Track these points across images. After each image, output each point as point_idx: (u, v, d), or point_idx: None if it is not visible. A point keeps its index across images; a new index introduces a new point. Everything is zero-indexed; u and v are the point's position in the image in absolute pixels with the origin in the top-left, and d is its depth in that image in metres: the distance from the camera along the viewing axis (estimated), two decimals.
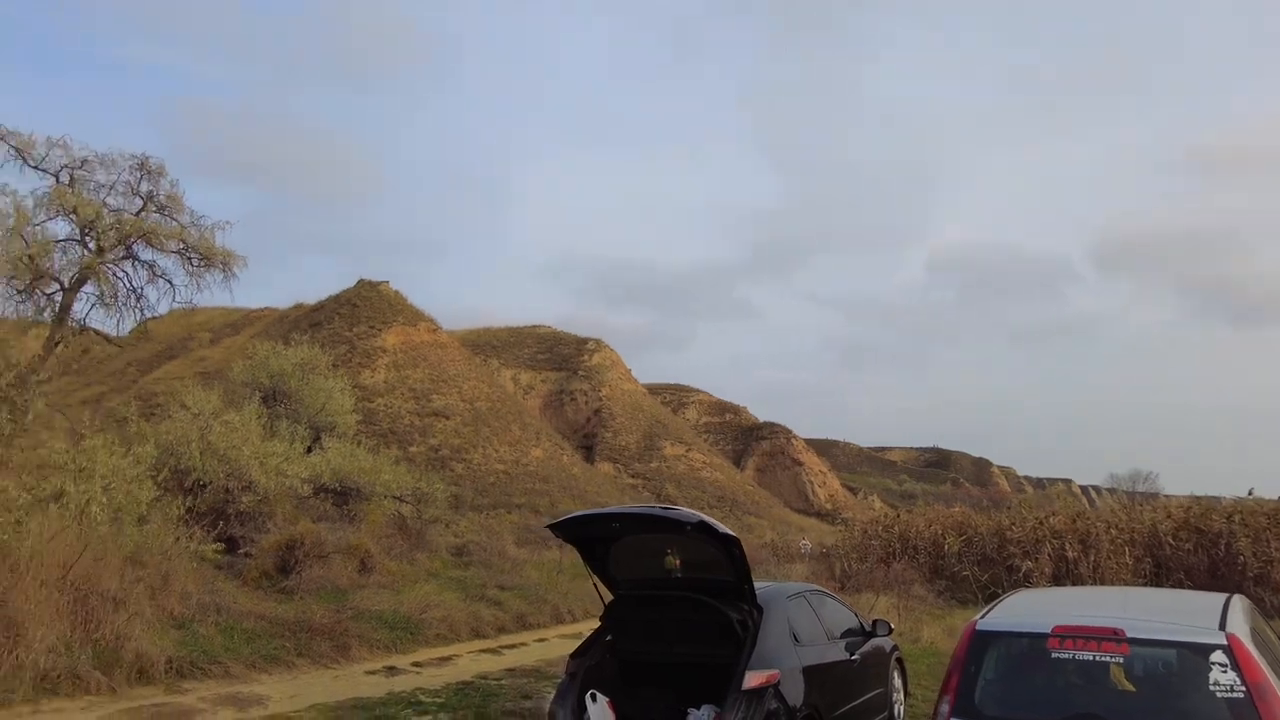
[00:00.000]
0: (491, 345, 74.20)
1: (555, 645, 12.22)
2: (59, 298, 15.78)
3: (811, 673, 6.01)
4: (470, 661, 10.79)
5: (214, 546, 11.54)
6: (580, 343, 76.82)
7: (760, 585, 6.27)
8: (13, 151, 14.39)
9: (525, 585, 16.28)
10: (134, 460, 11.87)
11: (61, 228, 14.95)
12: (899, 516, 25.43)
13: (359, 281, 57.69)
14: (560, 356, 74.86)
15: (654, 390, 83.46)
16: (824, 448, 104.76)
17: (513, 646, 12.24)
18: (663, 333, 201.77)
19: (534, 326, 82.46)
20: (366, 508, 17.80)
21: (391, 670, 9.82)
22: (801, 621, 6.52)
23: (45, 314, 15.65)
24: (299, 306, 58.41)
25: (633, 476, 61.11)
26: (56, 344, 14.83)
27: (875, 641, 7.65)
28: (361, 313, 53.93)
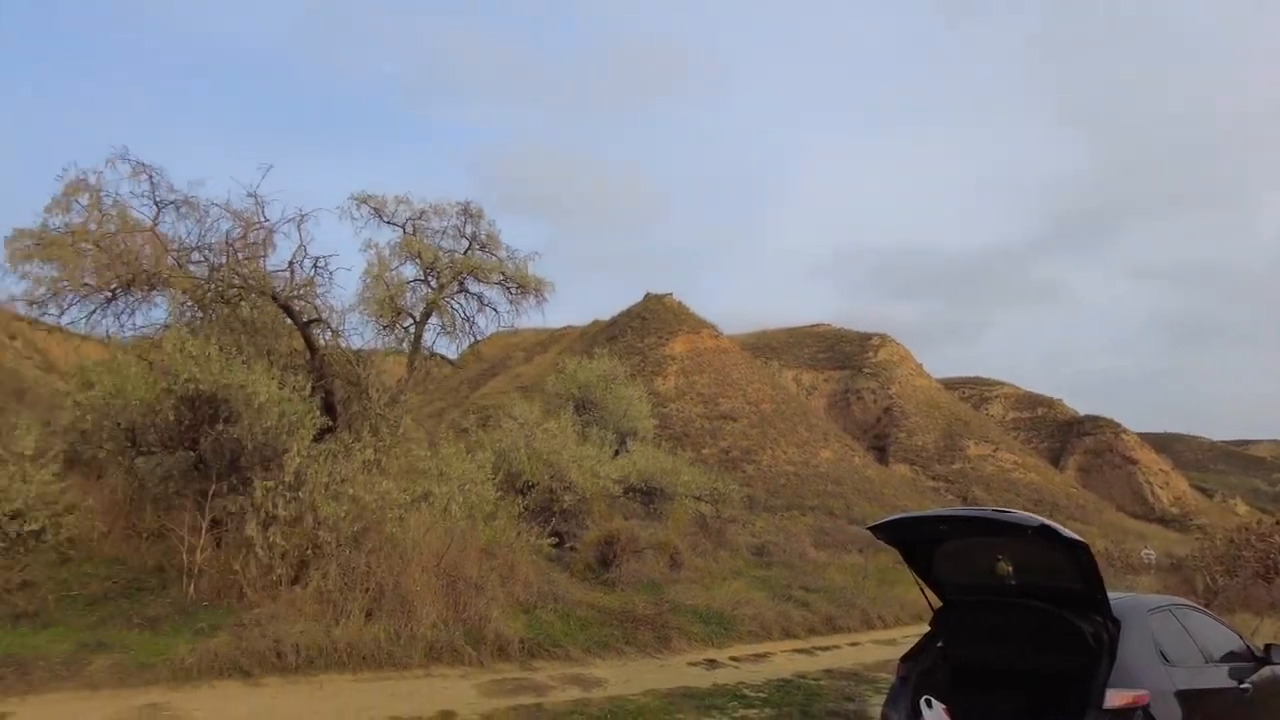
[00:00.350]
0: (770, 347, 74.53)
1: (869, 650, 11.93)
2: (412, 330, 18.52)
3: (1188, 698, 5.24)
4: (785, 660, 10.90)
5: (549, 541, 12.88)
6: (863, 339, 74.37)
7: (1113, 596, 5.60)
8: (372, 212, 17.17)
9: (830, 588, 16.08)
10: (478, 465, 13.64)
11: (410, 270, 17.53)
12: (1278, 523, 21.21)
13: (646, 295, 61.47)
14: (842, 354, 73.06)
15: (950, 385, 78.26)
16: (1163, 443, 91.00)
17: (825, 648, 12.14)
18: (953, 323, 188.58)
19: (812, 325, 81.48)
20: (670, 506, 18.78)
21: (711, 663, 10.23)
22: (1168, 639, 5.71)
23: (403, 344, 18.42)
24: (596, 323, 63.57)
25: (933, 478, 57.70)
26: (414, 369, 17.37)
27: (1275, 670, 6.44)
28: (650, 324, 57.26)
